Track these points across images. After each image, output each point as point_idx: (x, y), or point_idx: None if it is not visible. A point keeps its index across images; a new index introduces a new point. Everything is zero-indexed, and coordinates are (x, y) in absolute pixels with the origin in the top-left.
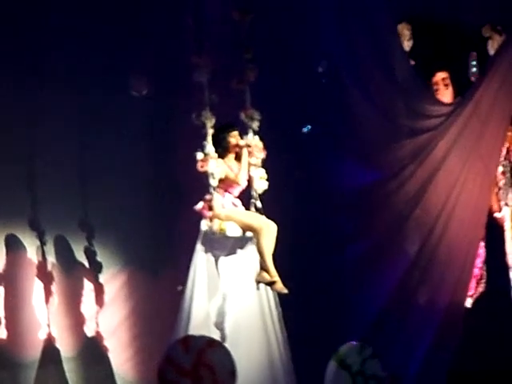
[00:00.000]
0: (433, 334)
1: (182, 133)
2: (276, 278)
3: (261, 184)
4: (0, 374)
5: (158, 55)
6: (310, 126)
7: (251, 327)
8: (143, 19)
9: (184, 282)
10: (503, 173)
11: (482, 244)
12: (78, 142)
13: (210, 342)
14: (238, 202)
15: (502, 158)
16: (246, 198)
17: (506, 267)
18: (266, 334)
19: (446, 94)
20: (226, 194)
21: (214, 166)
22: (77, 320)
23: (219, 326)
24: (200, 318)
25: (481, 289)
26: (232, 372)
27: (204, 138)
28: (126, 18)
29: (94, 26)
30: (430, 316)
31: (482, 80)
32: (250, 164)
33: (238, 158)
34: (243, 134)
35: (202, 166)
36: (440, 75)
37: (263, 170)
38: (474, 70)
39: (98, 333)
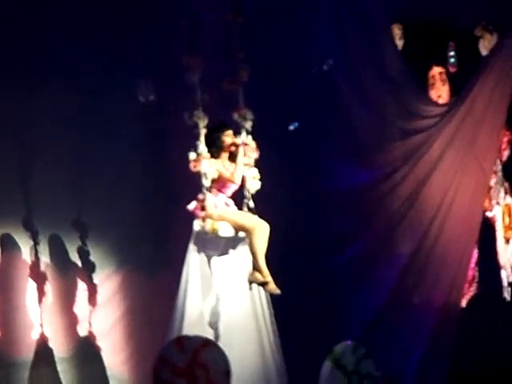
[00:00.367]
0: (428, 334)
1: (176, 133)
2: (269, 278)
3: (253, 184)
4: None
5: (151, 56)
6: (296, 124)
7: (244, 327)
8: (135, 20)
9: (178, 282)
10: (494, 172)
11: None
12: (71, 142)
13: (205, 341)
14: (231, 202)
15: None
16: (238, 197)
17: (497, 267)
18: (258, 335)
19: (443, 91)
20: (219, 193)
21: (206, 166)
22: (71, 320)
23: (212, 325)
24: (193, 318)
25: (473, 289)
26: (226, 372)
27: (197, 138)
28: (117, 18)
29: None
30: (426, 317)
31: (477, 80)
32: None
33: (231, 157)
34: (236, 133)
35: (194, 166)
36: (437, 69)
37: (256, 170)
38: (453, 60)
39: (92, 333)
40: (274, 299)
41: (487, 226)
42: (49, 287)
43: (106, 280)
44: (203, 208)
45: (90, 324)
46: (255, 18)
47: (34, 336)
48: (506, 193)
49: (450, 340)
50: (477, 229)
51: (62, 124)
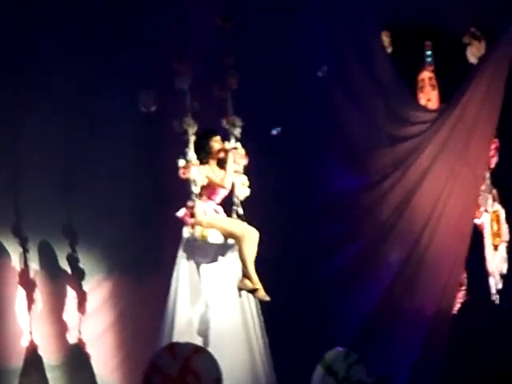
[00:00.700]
0: (420, 341)
1: (167, 139)
2: (258, 285)
3: (243, 191)
4: None
5: (141, 62)
6: (279, 128)
7: (233, 337)
8: (125, 25)
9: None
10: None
11: None
12: (62, 148)
13: (196, 348)
14: (220, 209)
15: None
16: (227, 204)
17: (485, 274)
18: (248, 342)
19: (432, 95)
20: (209, 200)
21: (195, 172)
22: (61, 328)
23: (202, 333)
24: (183, 325)
25: (462, 295)
26: (217, 379)
27: (186, 144)
28: (108, 23)
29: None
30: (417, 324)
31: (468, 87)
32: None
33: (219, 164)
34: (225, 140)
35: (184, 173)
36: (427, 74)
37: (245, 177)
38: (430, 59)
39: (81, 341)
40: (263, 306)
41: (476, 233)
42: (38, 294)
43: (96, 287)
44: (192, 215)
45: (79, 331)
46: (246, 22)
47: (24, 344)
48: (494, 200)
49: (442, 346)
50: (468, 236)
51: (51, 130)
